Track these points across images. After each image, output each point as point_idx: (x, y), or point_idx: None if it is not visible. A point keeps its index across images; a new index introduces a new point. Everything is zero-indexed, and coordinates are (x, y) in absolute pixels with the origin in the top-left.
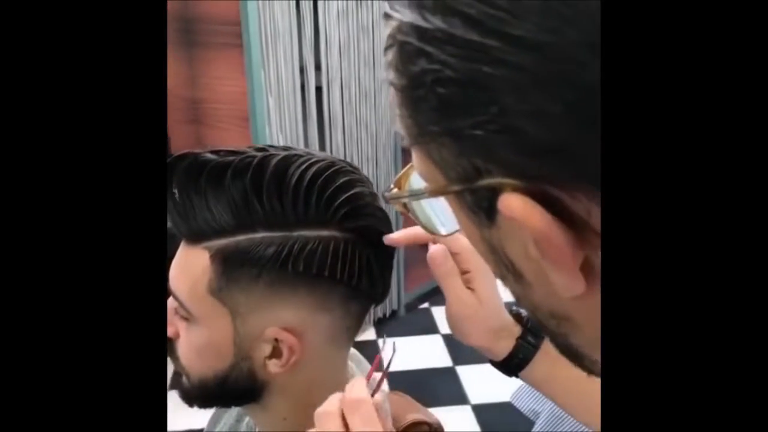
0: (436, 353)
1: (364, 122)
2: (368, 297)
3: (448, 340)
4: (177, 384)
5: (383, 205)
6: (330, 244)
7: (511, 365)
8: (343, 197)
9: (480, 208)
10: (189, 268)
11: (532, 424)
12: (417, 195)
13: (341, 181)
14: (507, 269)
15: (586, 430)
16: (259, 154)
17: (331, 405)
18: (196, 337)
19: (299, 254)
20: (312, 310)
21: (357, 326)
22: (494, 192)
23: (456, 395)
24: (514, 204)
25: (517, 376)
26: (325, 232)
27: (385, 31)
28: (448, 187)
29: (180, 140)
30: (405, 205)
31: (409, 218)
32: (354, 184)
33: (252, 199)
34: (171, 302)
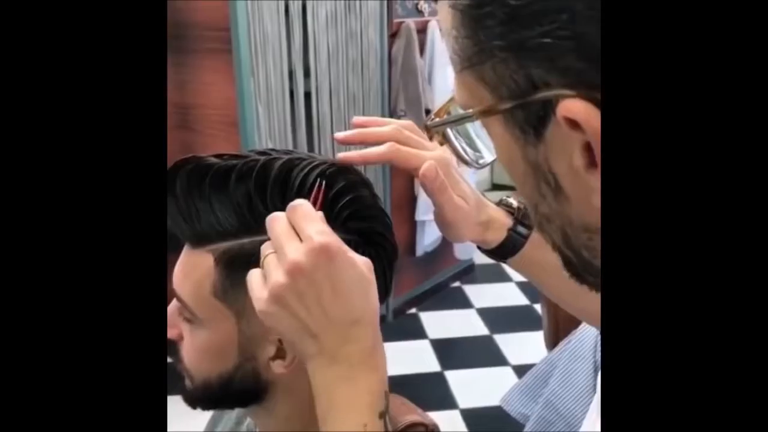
0: (425, 358)
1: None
2: None
3: (437, 345)
4: (179, 387)
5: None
6: None
7: (501, 252)
8: (346, 199)
9: (529, 124)
10: (193, 270)
11: (521, 427)
12: (464, 118)
13: (343, 183)
14: (548, 185)
15: (576, 431)
16: (262, 157)
17: (277, 212)
18: (200, 339)
19: None
20: None
21: None
22: (548, 105)
23: (445, 400)
24: (576, 107)
25: (505, 261)
26: None
27: None
28: (499, 105)
29: (169, 145)
30: (444, 135)
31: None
32: (356, 187)
33: (256, 201)
34: (174, 304)
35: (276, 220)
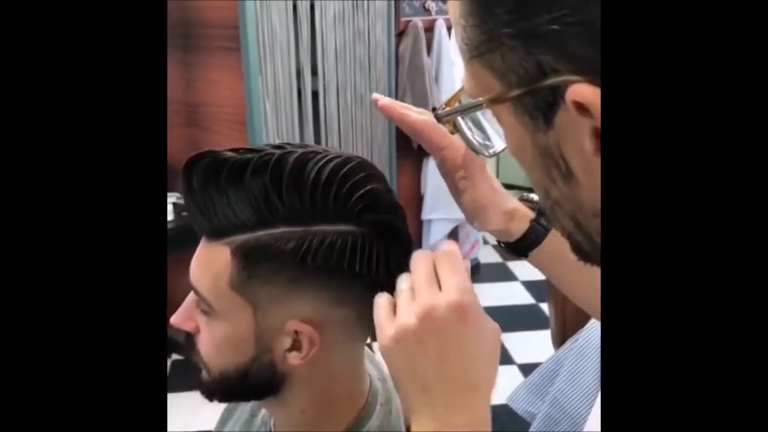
0: None
1: (360, 126)
2: (386, 289)
3: None
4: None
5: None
6: (348, 238)
7: (523, 245)
8: (361, 192)
9: (539, 110)
10: (210, 263)
11: (528, 425)
12: (474, 107)
13: (358, 176)
14: (558, 171)
15: (581, 431)
16: (278, 151)
17: (424, 251)
18: (218, 331)
19: (318, 248)
20: (331, 303)
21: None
22: (557, 91)
23: None
24: (585, 91)
25: (526, 257)
26: (343, 227)
27: None
28: (508, 93)
29: (176, 143)
30: (454, 124)
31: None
32: (370, 180)
33: (272, 195)
34: (192, 297)
35: (422, 259)
